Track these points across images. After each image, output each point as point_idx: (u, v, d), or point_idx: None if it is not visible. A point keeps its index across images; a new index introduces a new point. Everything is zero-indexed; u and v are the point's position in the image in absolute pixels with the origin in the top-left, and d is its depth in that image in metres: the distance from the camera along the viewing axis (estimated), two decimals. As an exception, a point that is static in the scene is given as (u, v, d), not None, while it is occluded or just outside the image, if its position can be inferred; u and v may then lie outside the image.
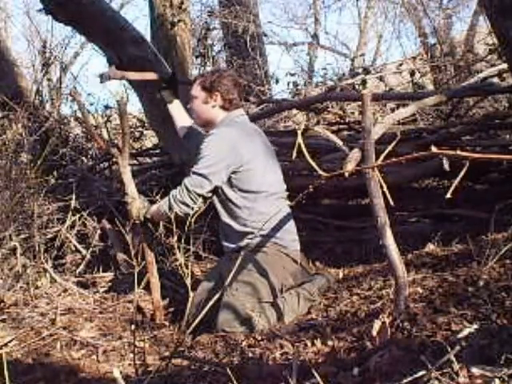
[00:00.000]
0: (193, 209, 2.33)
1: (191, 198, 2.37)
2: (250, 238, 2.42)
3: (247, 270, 2.33)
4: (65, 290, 2.81)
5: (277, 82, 6.66)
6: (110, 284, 2.94)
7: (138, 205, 2.48)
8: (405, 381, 1.27)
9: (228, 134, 2.45)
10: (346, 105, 4.54)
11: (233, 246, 2.49)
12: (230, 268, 2.10)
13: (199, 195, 2.37)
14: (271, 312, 2.27)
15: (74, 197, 3.28)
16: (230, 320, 2.21)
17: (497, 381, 1.20)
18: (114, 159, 2.68)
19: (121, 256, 3.03)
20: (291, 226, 2.53)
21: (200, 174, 2.39)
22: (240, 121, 2.57)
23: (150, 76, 2.88)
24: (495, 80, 3.39)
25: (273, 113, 4.32)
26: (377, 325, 1.66)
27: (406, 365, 1.39)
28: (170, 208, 2.40)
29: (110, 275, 3.02)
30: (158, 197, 3.03)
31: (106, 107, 4.84)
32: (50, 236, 3.16)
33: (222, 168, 2.39)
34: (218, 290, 2.06)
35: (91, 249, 3.17)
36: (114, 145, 2.68)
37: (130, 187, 2.49)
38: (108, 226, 3.26)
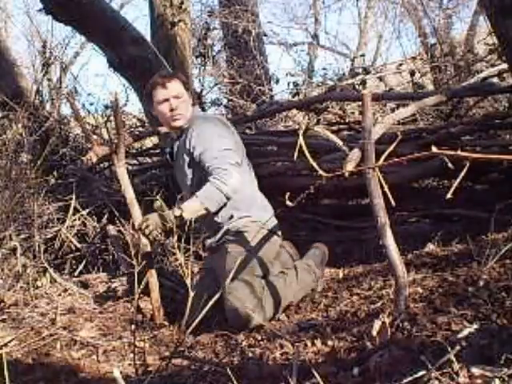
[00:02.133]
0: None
1: (232, 173, 2.33)
2: (231, 222, 2.47)
3: (238, 255, 2.28)
4: (65, 290, 2.81)
5: (277, 82, 6.66)
6: (109, 284, 2.93)
7: (156, 218, 2.31)
8: (405, 381, 1.27)
9: (211, 122, 2.53)
10: (346, 105, 4.53)
11: (218, 236, 2.51)
12: (221, 264, 2.23)
13: (234, 165, 2.36)
14: (272, 287, 2.32)
15: (74, 197, 3.28)
16: (240, 297, 2.22)
17: (497, 381, 1.20)
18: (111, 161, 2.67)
19: (121, 256, 3.03)
20: (265, 204, 2.59)
21: (223, 150, 2.38)
22: (206, 115, 2.69)
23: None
24: (495, 80, 3.40)
25: (273, 113, 4.32)
26: (377, 325, 1.65)
27: (406, 365, 1.39)
28: (222, 191, 2.33)
29: (109, 275, 3.01)
30: (157, 196, 3.02)
31: (106, 107, 4.83)
32: (49, 236, 3.16)
33: (233, 143, 2.47)
34: (215, 287, 2.08)
35: (91, 248, 3.17)
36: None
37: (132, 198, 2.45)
38: (110, 226, 3.26)
